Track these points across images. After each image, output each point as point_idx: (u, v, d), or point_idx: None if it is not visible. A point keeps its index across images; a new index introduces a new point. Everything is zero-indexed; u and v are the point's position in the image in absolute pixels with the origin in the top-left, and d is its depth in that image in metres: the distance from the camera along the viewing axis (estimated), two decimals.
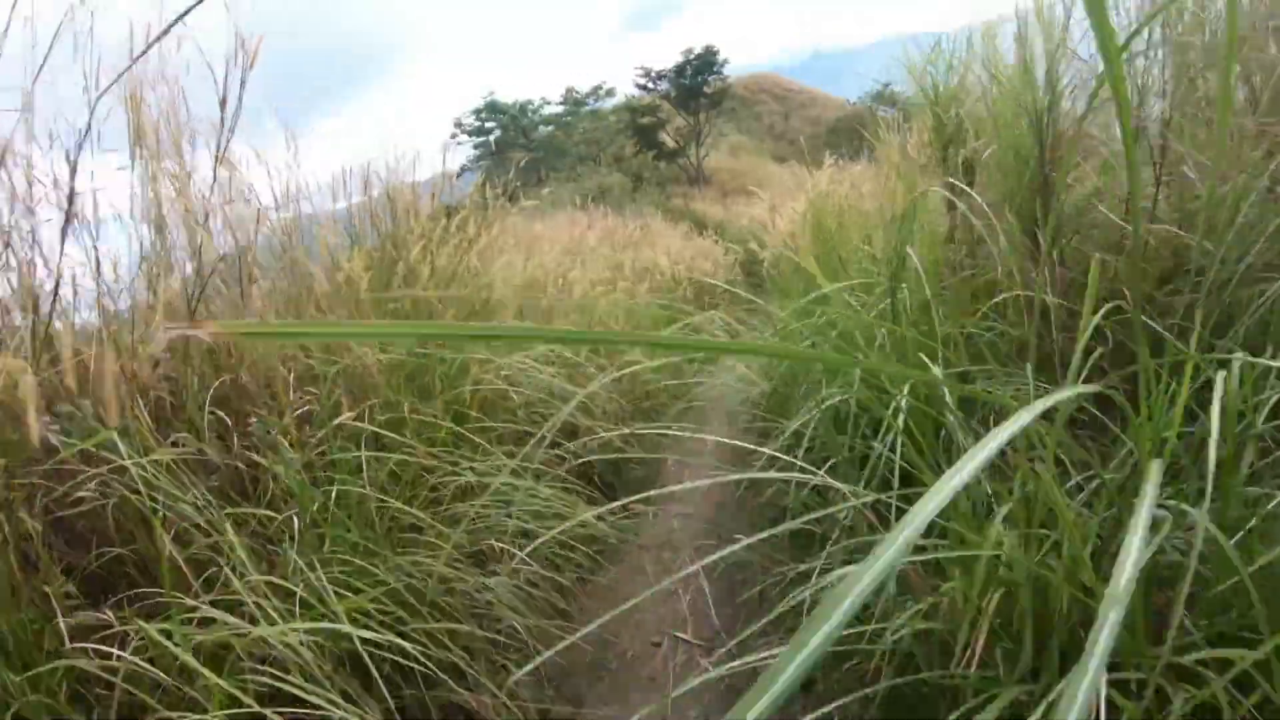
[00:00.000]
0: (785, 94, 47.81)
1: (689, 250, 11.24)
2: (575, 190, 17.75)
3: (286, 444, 2.22)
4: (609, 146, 31.87)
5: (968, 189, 3.04)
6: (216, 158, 2.74)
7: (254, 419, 2.36)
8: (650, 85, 31.74)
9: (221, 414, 2.30)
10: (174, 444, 2.12)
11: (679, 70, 30.74)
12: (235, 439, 2.28)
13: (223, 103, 2.63)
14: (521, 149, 32.94)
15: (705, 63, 30.52)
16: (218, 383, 2.39)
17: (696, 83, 30.82)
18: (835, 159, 7.40)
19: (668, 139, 31.58)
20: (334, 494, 2.19)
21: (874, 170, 6.96)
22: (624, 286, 7.03)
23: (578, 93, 34.49)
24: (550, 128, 34.52)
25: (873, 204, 6.45)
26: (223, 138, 2.72)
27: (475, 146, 34.45)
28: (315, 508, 2.13)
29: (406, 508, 2.37)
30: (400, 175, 4.39)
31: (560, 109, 34.82)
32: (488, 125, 34.41)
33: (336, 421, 2.43)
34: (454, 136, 34.35)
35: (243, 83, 2.61)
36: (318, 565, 1.80)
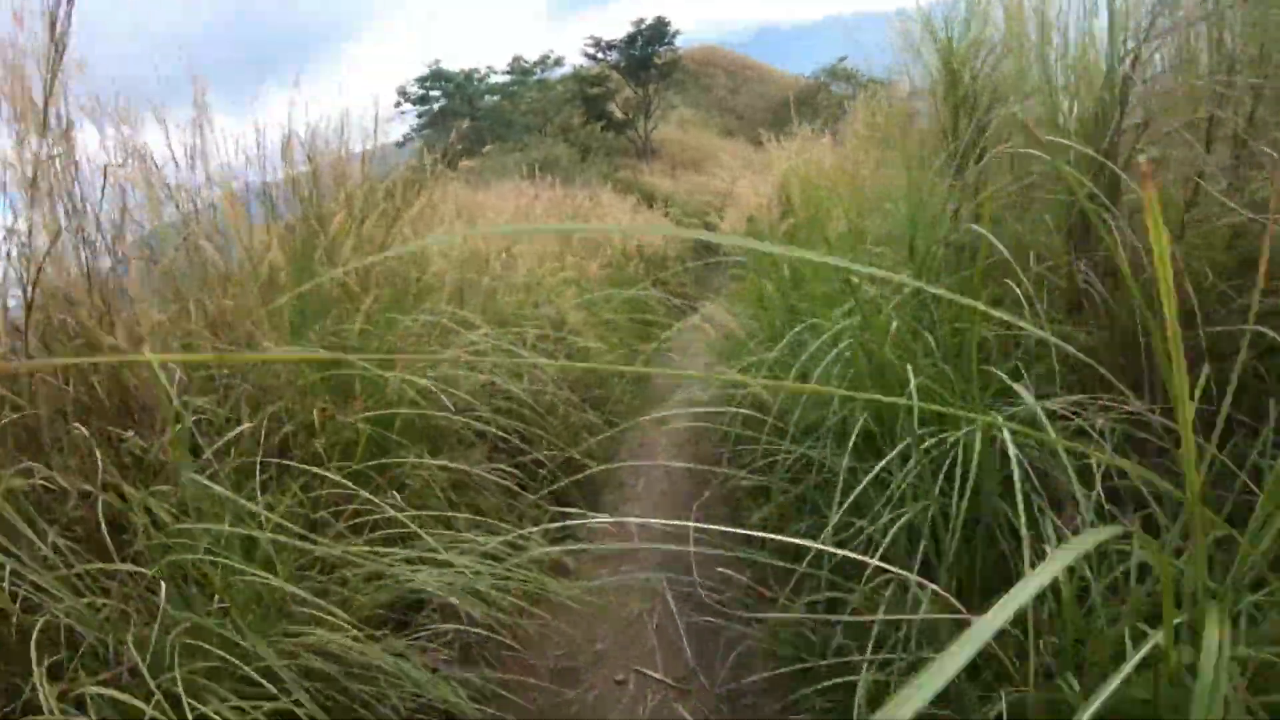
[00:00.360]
0: (734, 68, 47.34)
1: (639, 222, 10.81)
2: (522, 160, 17.22)
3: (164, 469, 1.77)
4: (556, 116, 31.19)
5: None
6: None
7: (125, 438, 1.89)
8: (599, 55, 31.10)
9: (86, 431, 1.83)
10: (24, 473, 1.67)
11: (629, 40, 30.14)
12: (102, 464, 1.81)
13: None
14: (466, 118, 32.14)
15: (656, 33, 29.95)
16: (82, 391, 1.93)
17: (646, 54, 30.25)
18: (812, 129, 6.96)
19: (616, 110, 30.99)
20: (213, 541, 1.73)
21: (845, 143, 6.57)
22: (573, 263, 6.58)
23: (525, 62, 33.72)
24: (496, 97, 33.70)
25: (841, 178, 6.08)
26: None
27: (419, 115, 33.58)
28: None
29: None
30: (330, 144, 3.95)
31: (507, 79, 34.01)
32: (432, 94, 33.53)
33: (228, 437, 1.97)
34: (398, 105, 33.49)
35: None
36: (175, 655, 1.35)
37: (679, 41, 31.21)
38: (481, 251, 4.91)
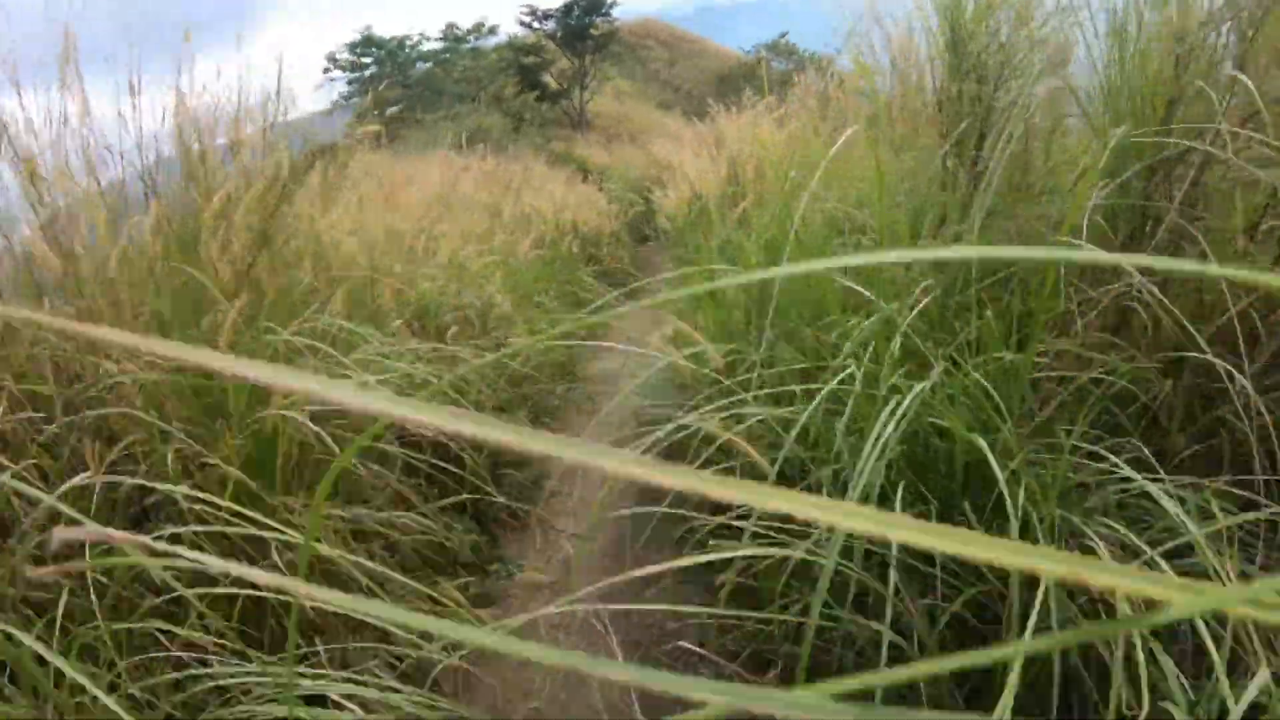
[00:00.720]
0: (673, 41, 46.69)
1: (573, 197, 10.21)
2: (452, 130, 16.47)
3: None
4: (489, 85, 30.28)
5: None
6: None
7: None
8: (535, 25, 30.24)
9: None
10: None
11: (566, 9, 29.33)
12: None
13: None
14: (398, 86, 31.23)
15: (593, 3, 29.19)
16: None
17: (583, 23, 29.49)
18: (763, 102, 6.43)
19: (551, 81, 30.22)
20: None
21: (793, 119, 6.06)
22: (503, 241, 5.99)
23: (459, 29, 32.64)
24: (429, 65, 32.69)
25: (797, 156, 5.58)
26: None
27: (349, 83, 32.44)
28: None
29: None
30: (231, 115, 3.34)
31: (440, 45, 32.95)
32: (364, 60, 32.42)
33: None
34: (327, 71, 32.36)
35: None
36: None
37: (616, 13, 30.49)
38: (402, 233, 4.31)
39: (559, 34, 29.96)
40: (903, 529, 0.26)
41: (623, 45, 36.77)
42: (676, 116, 31.96)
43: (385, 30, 33.16)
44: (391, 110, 28.39)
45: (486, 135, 16.33)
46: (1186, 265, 0.34)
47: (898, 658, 1.62)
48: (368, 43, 32.20)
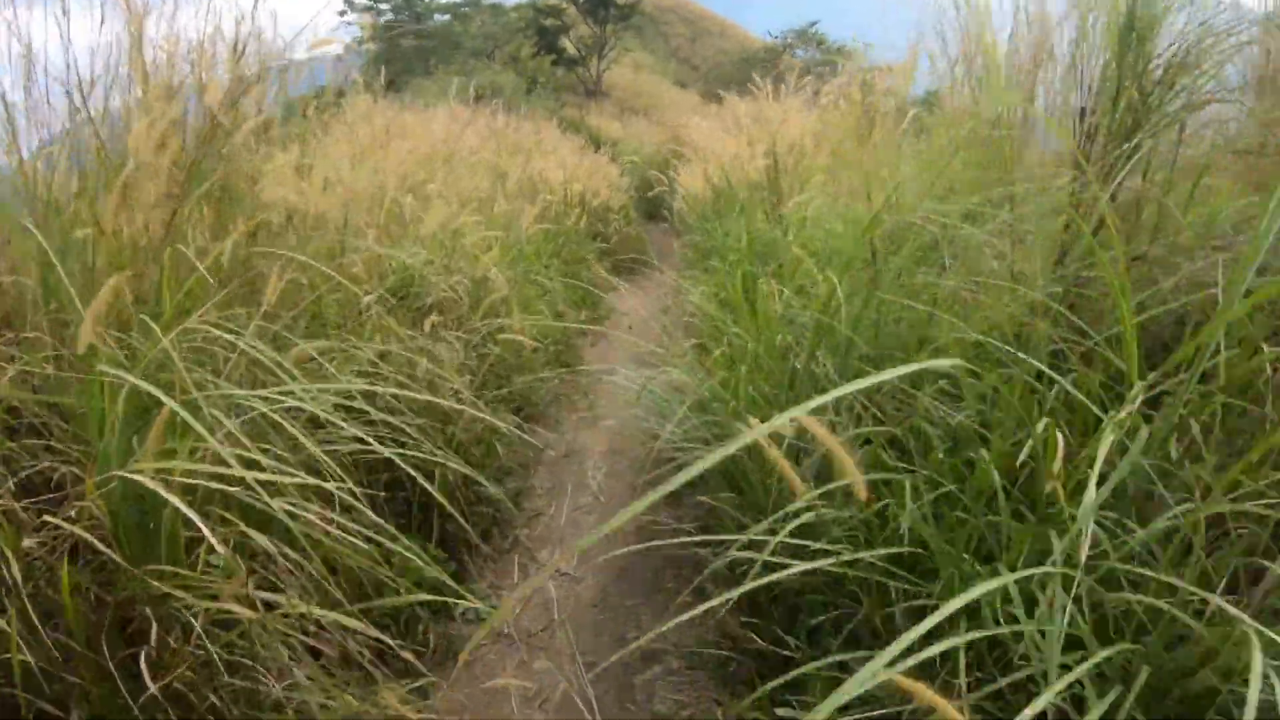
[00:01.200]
0: (695, 19, 45.75)
1: (583, 167, 9.47)
2: (462, 83, 15.54)
3: None
4: (506, 44, 29.34)
5: None
6: None
7: None
8: None
9: None
10: None
11: None
12: None
13: None
14: (411, 36, 30.28)
15: None
16: None
17: None
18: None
19: (569, 45, 29.30)
20: None
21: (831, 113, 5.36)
22: (505, 210, 5.28)
23: None
24: (447, 17, 31.66)
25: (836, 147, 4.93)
26: None
27: (362, 28, 31.36)
28: None
29: None
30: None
31: None
32: (380, 6, 31.38)
33: None
34: (342, 14, 31.34)
35: None
36: None
37: None
38: (384, 190, 3.59)
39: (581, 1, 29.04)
40: None
41: (645, 18, 35.83)
42: (693, 95, 31.19)
43: None
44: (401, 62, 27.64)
45: (499, 92, 15.50)
46: None
47: None
48: None
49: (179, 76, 2.70)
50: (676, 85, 34.44)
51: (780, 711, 1.94)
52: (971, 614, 1.42)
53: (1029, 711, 1.02)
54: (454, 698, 2.58)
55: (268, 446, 1.84)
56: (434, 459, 2.57)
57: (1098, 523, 1.46)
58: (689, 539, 2.24)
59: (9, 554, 1.39)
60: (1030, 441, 1.63)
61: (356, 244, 3.04)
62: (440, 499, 2.36)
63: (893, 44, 4.16)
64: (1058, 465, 1.51)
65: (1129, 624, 1.43)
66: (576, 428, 4.58)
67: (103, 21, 2.50)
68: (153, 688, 1.42)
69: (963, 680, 1.38)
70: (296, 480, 1.66)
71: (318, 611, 1.76)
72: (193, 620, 1.51)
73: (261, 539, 1.77)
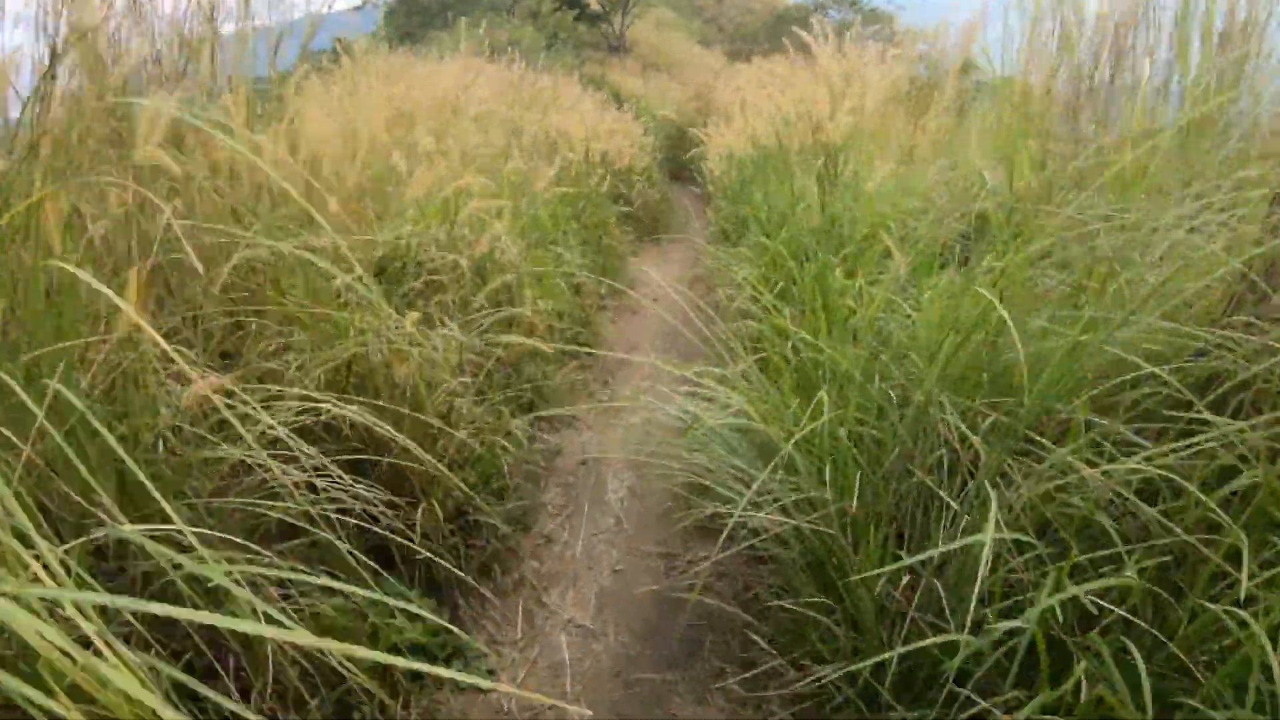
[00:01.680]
0: None
1: (604, 124, 8.75)
2: (478, 36, 14.80)
3: None
4: None
5: None
6: None
7: None
8: None
9: None
10: None
11: None
12: None
13: None
14: None
15: None
16: None
17: None
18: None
19: (592, 1, 28.38)
20: None
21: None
22: (516, 170, 4.60)
23: None
24: None
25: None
26: None
27: None
28: None
29: None
30: None
31: None
32: None
33: None
34: None
35: None
36: None
37: None
38: (360, 143, 2.91)
39: None
40: None
41: None
42: (718, 55, 30.20)
43: None
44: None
45: (516, 45, 14.66)
46: None
47: None
48: None
49: None
50: (701, 44, 33.40)
51: None
52: None
53: None
54: None
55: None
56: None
57: None
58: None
59: None
60: None
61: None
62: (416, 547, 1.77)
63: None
64: None
65: None
66: (595, 425, 3.94)
67: None
68: None
69: None
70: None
71: None
72: None
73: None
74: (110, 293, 1.11)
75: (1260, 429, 1.36)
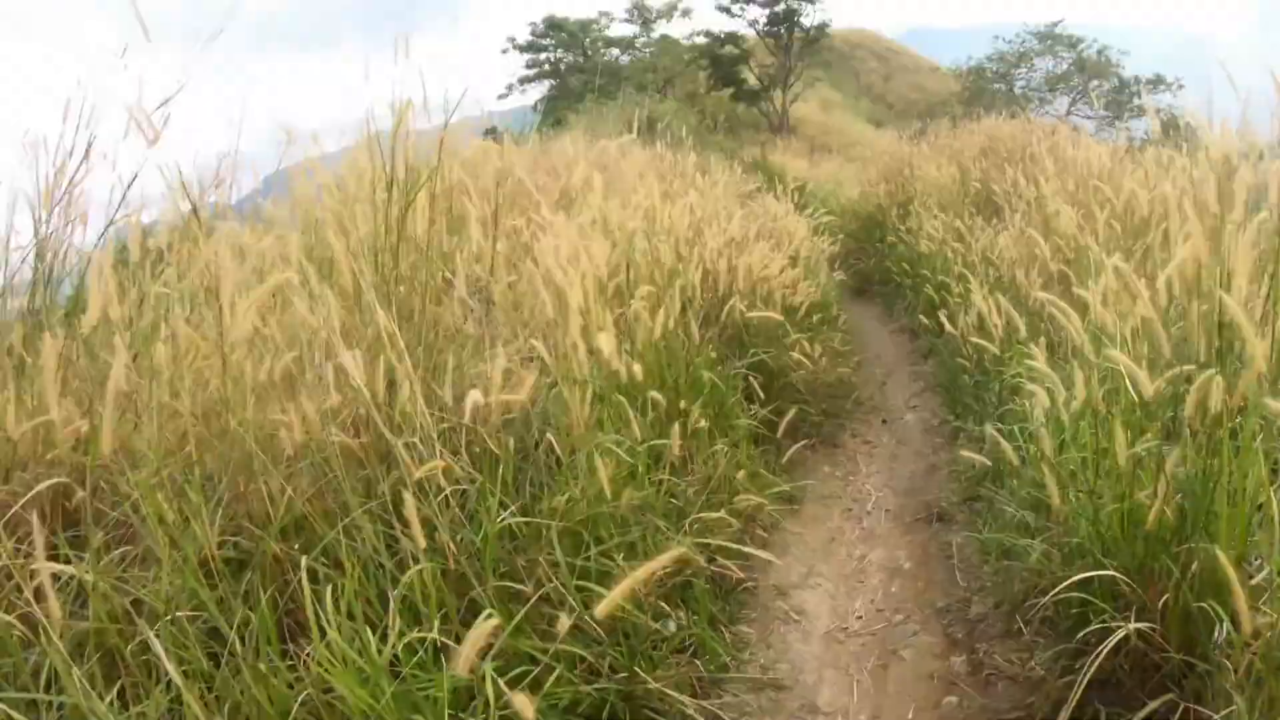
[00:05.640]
0: (887, 54, 40.55)
1: (742, 222, 4.72)
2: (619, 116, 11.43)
3: None
4: (677, 78, 25.15)
5: None
6: None
7: None
8: (735, 10, 24.82)
9: None
10: None
11: None
12: None
13: None
14: (577, 72, 26.59)
15: None
16: None
17: (792, 10, 23.92)
18: None
19: (750, 76, 24.83)
20: None
21: None
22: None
23: (648, 10, 27.38)
24: (616, 51, 27.83)
25: None
26: None
27: (528, 65, 27.90)
28: None
29: None
30: None
31: (629, 30, 27.92)
32: (544, 42, 27.81)
33: None
34: (505, 53, 27.89)
35: None
36: None
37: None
38: None
39: (761, 23, 24.51)
40: None
41: (834, 54, 31.01)
42: (889, 135, 26.05)
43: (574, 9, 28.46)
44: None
45: (656, 125, 10.90)
46: None
47: None
48: (550, 25, 27.55)
49: None
50: (871, 124, 29.50)
51: None
52: None
53: None
54: None
55: None
56: None
57: None
58: None
59: None
60: None
61: None
62: None
63: None
64: None
65: None
66: None
67: None
68: None
69: None
70: None
71: None
72: None
73: None
74: None
75: None
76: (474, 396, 1.75)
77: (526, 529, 2.00)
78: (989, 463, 3.20)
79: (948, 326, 4.23)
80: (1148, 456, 1.93)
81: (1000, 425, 3.29)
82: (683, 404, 2.93)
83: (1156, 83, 21.78)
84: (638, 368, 2.21)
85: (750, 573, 3.10)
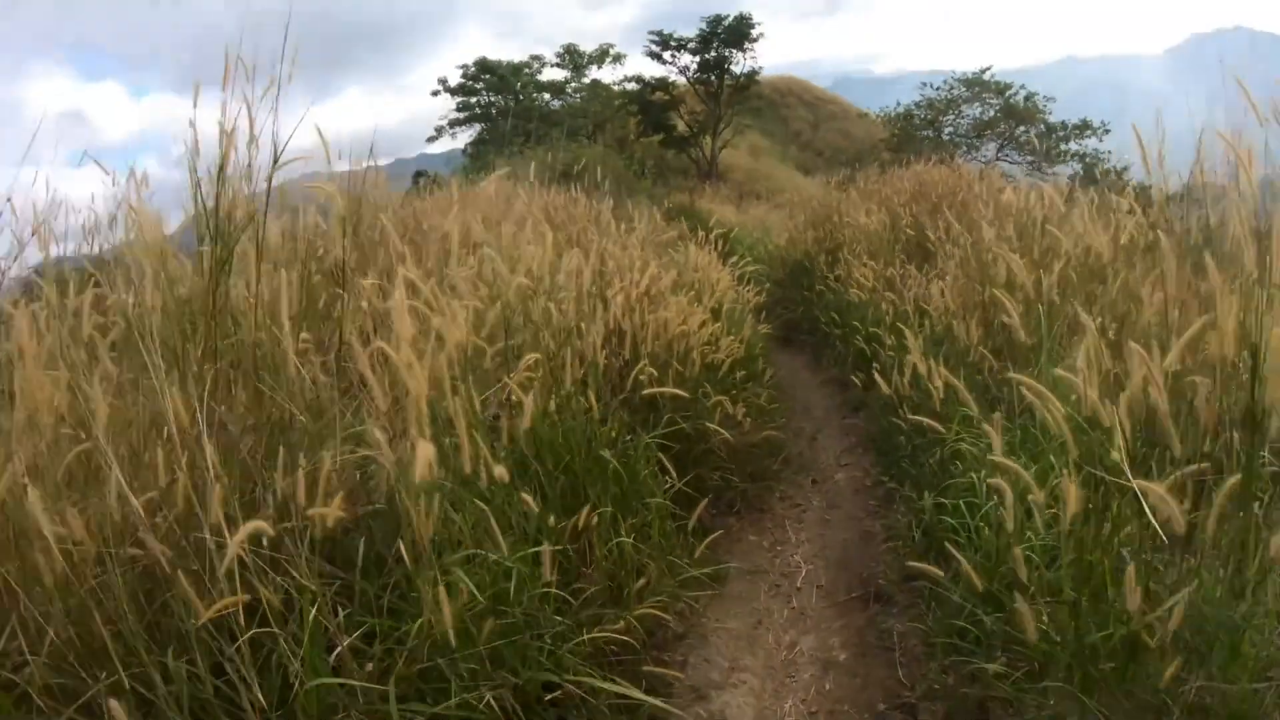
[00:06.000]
0: (816, 102, 40.90)
1: (653, 275, 4.29)
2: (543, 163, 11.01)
3: None
4: (608, 123, 24.97)
5: None
6: None
7: None
8: (666, 57, 24.72)
9: None
10: None
11: (704, 40, 23.75)
12: None
13: None
14: (510, 115, 26.24)
15: (736, 34, 23.55)
16: None
17: (722, 58, 23.87)
18: None
19: (680, 123, 24.71)
20: None
21: None
22: None
23: (580, 56, 27.25)
24: (547, 95, 27.58)
25: None
26: None
27: (459, 108, 27.50)
28: None
29: None
30: None
31: (560, 75, 27.74)
32: (475, 85, 27.45)
33: None
34: (436, 95, 27.48)
35: None
36: None
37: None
38: None
39: (692, 69, 24.42)
40: None
41: (764, 101, 31.07)
42: (817, 182, 26.11)
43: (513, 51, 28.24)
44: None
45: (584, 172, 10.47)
46: None
47: None
48: (482, 67, 27.23)
49: None
50: (800, 170, 29.56)
51: None
52: None
53: None
54: None
55: None
56: None
57: None
58: None
59: None
60: None
61: None
62: None
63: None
64: None
65: None
66: None
67: None
68: None
69: None
70: None
71: None
72: None
73: None
74: None
75: None
76: (251, 527, 1.28)
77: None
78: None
79: (881, 385, 3.86)
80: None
81: (943, 500, 2.93)
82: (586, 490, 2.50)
83: (1083, 128, 22.10)
84: (500, 470, 1.75)
85: (661, 680, 2.66)
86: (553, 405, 2.37)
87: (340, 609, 1.63)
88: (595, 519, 2.45)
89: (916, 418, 3.06)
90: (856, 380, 5.00)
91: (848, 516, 4.30)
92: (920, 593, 3.07)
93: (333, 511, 1.48)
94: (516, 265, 2.90)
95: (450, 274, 2.54)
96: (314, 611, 1.51)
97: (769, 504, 4.47)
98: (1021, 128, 22.65)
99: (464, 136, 27.53)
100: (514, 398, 2.19)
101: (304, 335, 2.19)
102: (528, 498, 1.96)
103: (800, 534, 4.17)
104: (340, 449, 1.84)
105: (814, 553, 3.95)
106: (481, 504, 1.81)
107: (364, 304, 2.29)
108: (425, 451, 1.50)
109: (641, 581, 2.67)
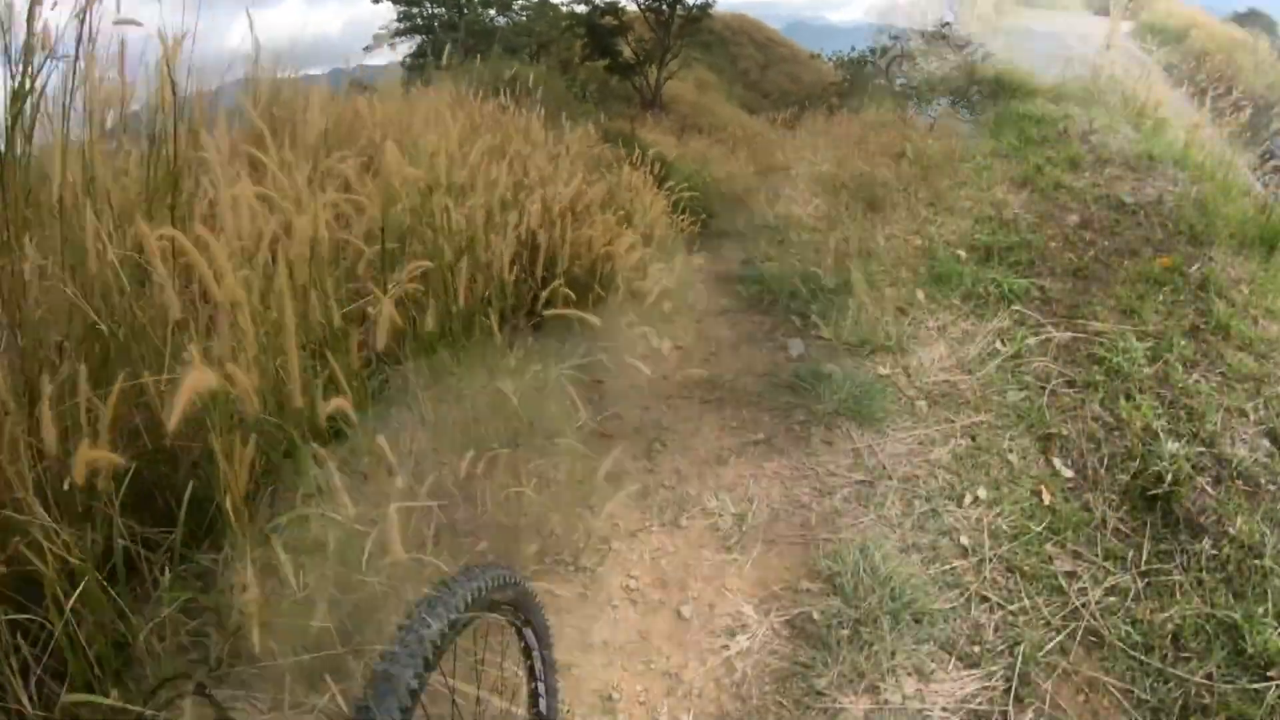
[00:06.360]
0: (767, 43, 40.17)
1: (579, 189, 3.87)
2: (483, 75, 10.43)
3: None
4: (553, 44, 24.15)
5: None
6: None
7: None
8: None
9: None
10: None
11: None
12: None
13: None
14: (453, 29, 25.26)
15: None
16: None
17: None
18: None
19: (626, 49, 23.96)
20: None
21: None
22: None
23: None
24: (492, 11, 26.53)
25: None
26: None
27: (400, 18, 26.33)
28: None
29: None
30: None
31: None
32: None
33: None
34: (377, 1, 26.23)
35: None
36: None
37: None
38: None
39: None
40: None
41: (715, 37, 30.35)
42: (762, 121, 25.71)
43: None
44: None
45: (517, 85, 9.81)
46: None
47: None
48: None
49: None
50: (745, 110, 29.10)
51: None
52: None
53: None
54: None
55: None
56: None
57: None
58: None
59: None
60: None
61: None
62: None
63: None
64: None
65: None
66: None
67: None
68: None
69: None
70: None
71: None
72: None
73: None
74: None
75: None
76: None
77: None
78: None
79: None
80: None
81: None
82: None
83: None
84: (340, 402, 1.35)
85: None
86: (432, 323, 1.96)
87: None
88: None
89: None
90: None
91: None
92: None
93: (104, 454, 1.07)
94: (417, 159, 2.47)
95: (330, 164, 2.11)
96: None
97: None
98: (975, 86, 22.32)
99: (404, 49, 26.44)
100: (381, 313, 1.77)
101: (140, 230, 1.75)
102: (383, 442, 1.56)
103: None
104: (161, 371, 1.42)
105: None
106: (319, 447, 1.40)
107: (209, 192, 1.85)
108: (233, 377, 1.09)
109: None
